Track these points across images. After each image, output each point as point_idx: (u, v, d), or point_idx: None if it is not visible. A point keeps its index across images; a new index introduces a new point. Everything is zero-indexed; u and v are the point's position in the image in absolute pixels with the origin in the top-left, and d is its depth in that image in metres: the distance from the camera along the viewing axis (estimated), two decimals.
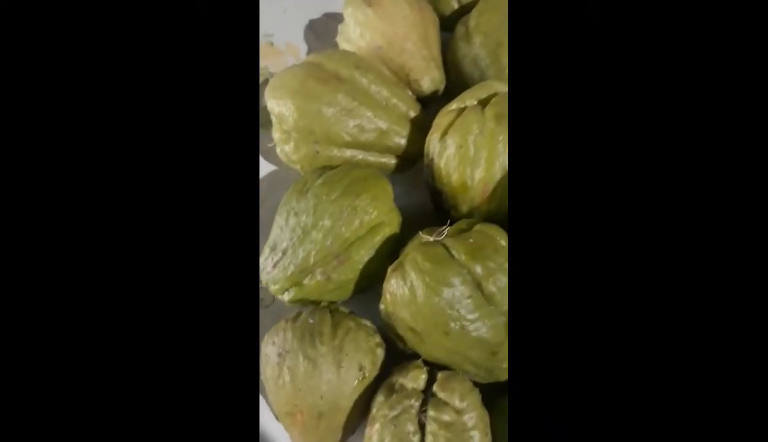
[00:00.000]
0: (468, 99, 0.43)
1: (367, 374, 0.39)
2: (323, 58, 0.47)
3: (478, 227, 0.39)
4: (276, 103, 0.46)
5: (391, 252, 0.43)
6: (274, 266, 0.42)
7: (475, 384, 0.39)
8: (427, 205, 0.48)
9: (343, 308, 0.43)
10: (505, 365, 0.38)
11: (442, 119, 0.44)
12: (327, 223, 0.41)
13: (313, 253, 0.41)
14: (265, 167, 0.54)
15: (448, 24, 0.55)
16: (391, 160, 0.48)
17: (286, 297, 0.42)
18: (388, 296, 0.39)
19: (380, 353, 0.41)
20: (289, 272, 0.41)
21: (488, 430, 0.37)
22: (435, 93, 0.52)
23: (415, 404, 0.37)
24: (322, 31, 0.60)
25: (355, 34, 0.51)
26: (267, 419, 0.44)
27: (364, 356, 0.39)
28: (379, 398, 0.38)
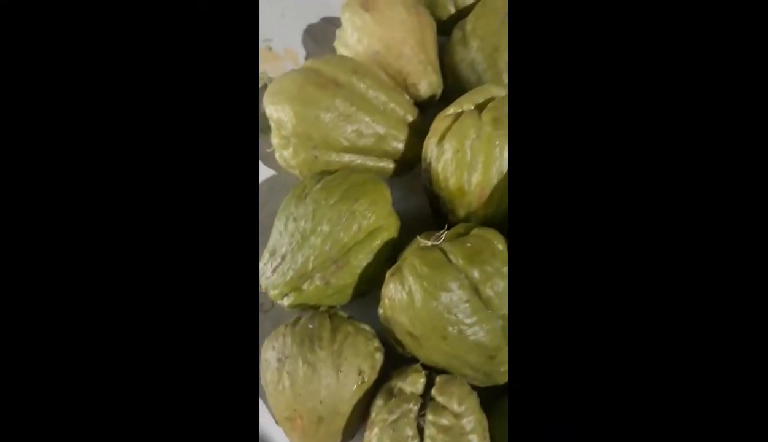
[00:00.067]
0: (465, 103, 0.43)
1: (366, 379, 0.39)
2: (321, 63, 0.47)
3: (475, 232, 0.40)
4: (274, 109, 0.46)
5: (389, 256, 0.43)
6: (274, 271, 0.42)
7: (474, 388, 0.39)
8: (425, 208, 0.48)
9: (342, 313, 0.43)
10: (503, 368, 0.39)
11: (439, 124, 0.44)
12: (325, 228, 0.41)
13: (312, 258, 0.41)
14: (264, 172, 0.54)
15: (445, 28, 0.55)
16: (390, 165, 0.48)
17: (285, 302, 0.43)
18: (386, 301, 0.39)
19: (379, 357, 0.41)
20: (288, 277, 0.42)
21: (486, 434, 0.37)
22: (432, 97, 0.52)
23: (414, 408, 0.37)
24: (320, 35, 0.60)
25: (353, 39, 0.51)
26: (267, 424, 0.44)
27: (363, 360, 0.39)
28: (378, 402, 0.38)
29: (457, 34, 0.52)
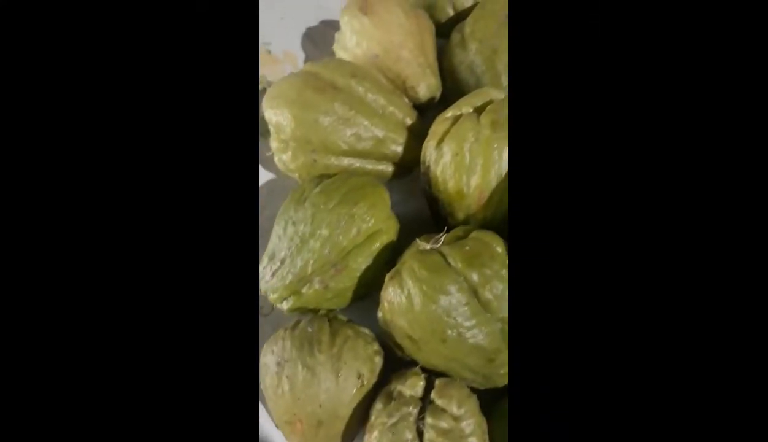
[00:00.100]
0: (464, 106, 0.43)
1: (365, 382, 0.39)
2: (320, 67, 0.47)
3: (474, 234, 0.40)
4: (273, 113, 0.46)
5: (388, 259, 0.43)
6: (273, 274, 0.42)
7: (473, 390, 0.39)
8: (424, 211, 0.48)
9: (341, 316, 0.43)
10: (502, 371, 0.39)
11: (438, 127, 0.44)
12: (324, 232, 0.41)
13: (311, 262, 0.41)
14: (263, 175, 0.54)
15: (444, 31, 0.55)
16: (389, 168, 0.49)
17: (284, 306, 0.43)
18: (385, 304, 0.39)
19: (378, 360, 0.41)
20: (287, 281, 0.42)
21: (486, 436, 0.37)
22: (431, 100, 0.52)
23: (413, 411, 0.37)
24: (319, 39, 0.60)
25: (352, 43, 0.51)
26: (267, 427, 0.44)
27: (362, 364, 0.39)
28: (378, 405, 0.38)
29: (455, 36, 0.52)
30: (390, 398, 0.38)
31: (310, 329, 0.40)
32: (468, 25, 0.51)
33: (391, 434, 0.36)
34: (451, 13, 0.56)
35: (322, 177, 0.45)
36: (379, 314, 0.40)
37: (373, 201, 0.42)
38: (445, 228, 0.41)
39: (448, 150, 0.42)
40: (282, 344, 0.40)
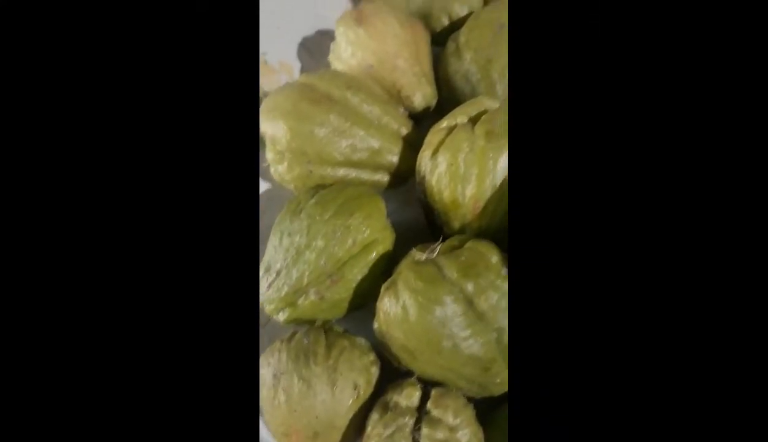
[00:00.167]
0: (458, 116, 0.43)
1: (361, 393, 0.39)
2: (315, 78, 0.47)
3: (469, 244, 0.40)
4: (269, 125, 0.46)
5: (384, 269, 0.43)
6: (269, 286, 0.43)
7: (469, 399, 0.39)
8: (420, 220, 0.48)
9: (337, 327, 0.43)
10: (498, 380, 0.39)
11: (433, 137, 0.44)
12: (320, 243, 0.41)
13: (307, 273, 0.41)
14: (260, 186, 0.55)
15: (439, 40, 0.55)
16: (384, 178, 0.49)
17: (281, 317, 0.43)
18: (381, 315, 0.39)
19: (375, 371, 0.41)
20: (283, 293, 0.42)
21: None
22: (427, 109, 0.52)
23: (410, 421, 0.37)
24: (315, 49, 0.61)
25: (347, 54, 0.51)
26: (264, 439, 0.44)
27: (358, 374, 0.39)
28: (374, 416, 0.38)
29: (450, 45, 0.52)
30: (386, 408, 0.38)
31: (306, 341, 0.40)
32: (463, 35, 0.51)
33: None
34: (447, 22, 0.56)
35: (318, 188, 0.45)
36: (375, 325, 0.40)
37: (368, 211, 0.43)
38: (441, 237, 0.42)
39: (443, 160, 0.42)
40: (278, 356, 0.40)
